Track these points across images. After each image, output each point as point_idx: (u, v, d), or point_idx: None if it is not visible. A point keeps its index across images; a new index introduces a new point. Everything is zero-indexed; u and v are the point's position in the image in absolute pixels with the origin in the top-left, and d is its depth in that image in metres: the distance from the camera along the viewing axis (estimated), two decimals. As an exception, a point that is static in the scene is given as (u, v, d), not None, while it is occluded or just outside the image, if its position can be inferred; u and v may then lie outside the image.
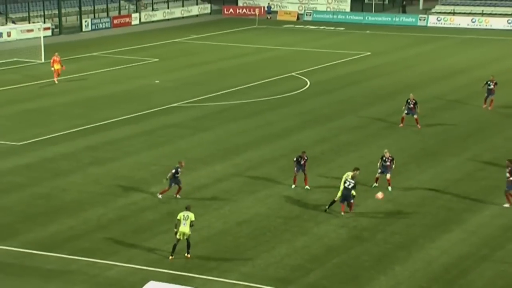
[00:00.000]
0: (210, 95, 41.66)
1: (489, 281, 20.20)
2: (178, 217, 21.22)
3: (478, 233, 23.20)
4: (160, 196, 25.90)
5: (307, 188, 26.68)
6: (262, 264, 21.16)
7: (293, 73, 47.48)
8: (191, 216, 21.24)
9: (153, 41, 60.32)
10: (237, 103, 40.00)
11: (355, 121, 36.17)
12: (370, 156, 30.75)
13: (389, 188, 26.70)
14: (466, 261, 21.29)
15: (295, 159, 26.89)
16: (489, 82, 37.04)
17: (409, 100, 34.30)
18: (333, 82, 44.96)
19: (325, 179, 27.77)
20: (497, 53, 53.52)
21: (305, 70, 48.14)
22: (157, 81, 45.52)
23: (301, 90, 43.03)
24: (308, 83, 44.62)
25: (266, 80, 45.59)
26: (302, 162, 26.71)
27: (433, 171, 28.83)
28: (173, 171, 25.58)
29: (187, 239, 21.19)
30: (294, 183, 27.07)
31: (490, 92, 37.09)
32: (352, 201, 24.63)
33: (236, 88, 43.40)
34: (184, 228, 21.06)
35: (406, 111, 34.42)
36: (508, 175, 24.92)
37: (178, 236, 21.15)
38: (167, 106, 39.18)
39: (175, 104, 39.69)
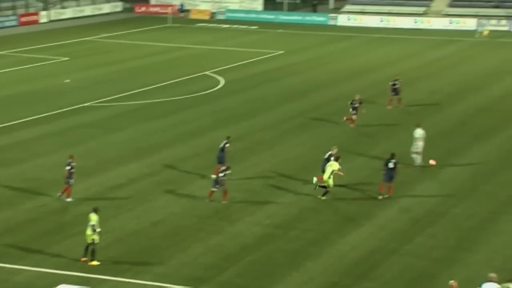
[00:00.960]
0: (123, 95, 41.20)
1: (398, 274, 20.82)
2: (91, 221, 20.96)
3: (386, 227, 23.86)
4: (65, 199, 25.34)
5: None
6: (177, 264, 21.14)
7: (206, 72, 47.49)
8: (93, 218, 20.81)
9: (63, 39, 59.12)
10: (150, 102, 39.69)
11: (268, 120, 36.48)
12: (284, 154, 31.15)
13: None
14: (376, 255, 21.87)
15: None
16: (395, 82, 37.86)
17: (354, 101, 34.46)
18: (246, 80, 45.23)
19: (239, 177, 27.91)
20: (404, 52, 55.05)
21: (218, 69, 48.23)
22: (67, 81, 44.65)
23: (214, 88, 43.09)
24: (222, 82, 44.73)
25: (180, 79, 45.42)
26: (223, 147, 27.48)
27: (344, 167, 29.41)
28: (68, 167, 24.92)
29: (89, 243, 20.67)
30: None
31: (395, 91, 37.83)
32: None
33: (149, 87, 43.07)
34: (87, 230, 20.81)
35: (353, 112, 34.33)
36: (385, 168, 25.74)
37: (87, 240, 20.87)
38: (78, 106, 38.51)
39: (86, 104, 39.06)
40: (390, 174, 26.01)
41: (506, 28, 61.37)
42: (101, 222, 21.31)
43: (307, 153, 31.30)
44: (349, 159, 30.00)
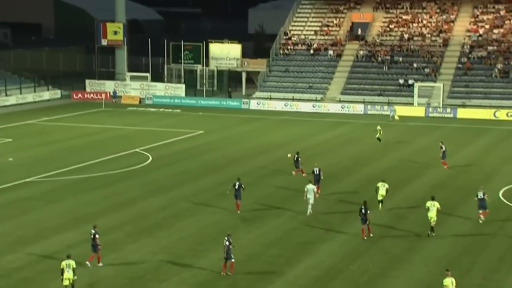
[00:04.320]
0: (61, 170, 40.15)
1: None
2: (62, 266, 21.92)
3: (295, 284, 23.67)
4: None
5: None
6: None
7: (137, 149, 47.00)
8: (73, 263, 22.02)
9: (6, 123, 57.49)
10: (86, 177, 38.81)
11: (192, 190, 36.25)
12: (205, 220, 30.86)
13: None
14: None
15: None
16: (296, 156, 38.95)
17: (314, 169, 35.03)
18: (172, 156, 44.98)
19: (167, 241, 27.35)
20: (306, 131, 56.15)
21: (147, 147, 47.83)
22: (10, 159, 43.20)
23: (144, 164, 42.62)
24: (150, 158, 44.33)
25: (113, 156, 44.74)
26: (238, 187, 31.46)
27: (258, 231, 29.37)
28: (97, 236, 24.75)
29: (72, 283, 21.73)
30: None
31: (297, 163, 38.85)
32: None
33: (86, 164, 42.18)
34: (68, 274, 21.78)
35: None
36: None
37: (64, 283, 21.68)
38: (20, 181, 37.21)
39: (28, 179, 37.80)
40: (364, 218, 28.14)
41: (388, 113, 63.15)
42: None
43: (225, 218, 31.11)
44: (263, 222, 29.76)
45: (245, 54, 77.72)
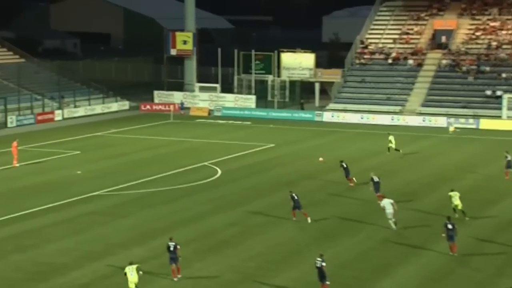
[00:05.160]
0: (129, 184, 41.09)
1: None
2: (125, 271, 23.64)
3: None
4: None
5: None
6: None
7: (205, 163, 47.59)
8: (135, 268, 23.68)
9: (75, 135, 59.43)
10: (154, 191, 39.57)
11: (262, 206, 36.33)
12: (276, 238, 30.84)
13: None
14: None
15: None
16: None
17: (373, 177, 36.51)
18: (241, 170, 45.28)
19: (236, 261, 27.50)
20: (383, 146, 55.34)
21: (216, 160, 48.36)
22: (78, 172, 44.61)
23: (212, 178, 43.08)
24: (219, 172, 44.77)
25: (181, 170, 45.45)
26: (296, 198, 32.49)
27: (332, 250, 29.11)
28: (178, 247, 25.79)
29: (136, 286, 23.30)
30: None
31: (347, 172, 40.01)
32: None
33: (153, 177, 43.02)
34: (133, 277, 23.36)
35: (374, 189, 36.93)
36: None
37: (130, 286, 23.25)
38: (88, 195, 38.33)
39: (95, 193, 38.89)
40: (451, 234, 28.26)
41: (473, 126, 62.26)
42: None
43: (296, 236, 31.02)
44: (336, 242, 29.51)
45: (318, 64, 77.51)
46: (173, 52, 79.47)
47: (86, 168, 45.80)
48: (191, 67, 79.97)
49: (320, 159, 39.52)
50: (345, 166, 40.42)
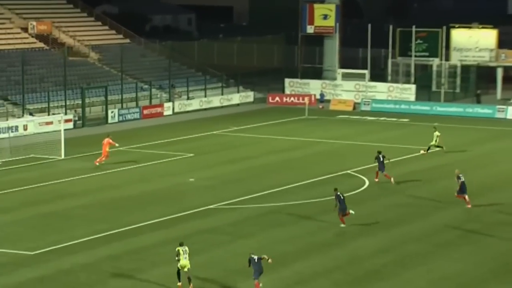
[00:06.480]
0: (252, 196, 41.71)
1: None
2: (177, 250, 27.56)
3: None
4: None
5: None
6: None
7: (348, 171, 47.43)
8: (187, 249, 27.64)
9: (187, 133, 61.14)
10: (283, 205, 39.90)
11: (423, 228, 35.73)
12: (441, 270, 30.19)
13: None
14: None
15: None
16: (380, 156, 38.79)
17: (459, 176, 38.04)
18: (396, 181, 44.68)
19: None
20: None
21: (362, 167, 48.06)
22: (191, 179, 45.82)
23: (358, 190, 42.86)
24: (367, 183, 44.46)
25: (317, 179, 45.56)
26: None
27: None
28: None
29: (187, 272, 26.86)
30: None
31: (382, 165, 41.41)
32: None
33: (283, 188, 43.41)
34: (185, 261, 27.06)
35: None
36: None
37: (179, 267, 27.20)
38: (202, 208, 39.26)
39: (211, 206, 39.77)
40: None
41: None
42: None
43: (468, 269, 30.21)
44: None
45: (502, 43, 75.26)
46: (310, 29, 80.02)
47: (201, 175, 46.95)
48: (332, 48, 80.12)
49: (421, 151, 41.29)
50: (381, 159, 42.55)
